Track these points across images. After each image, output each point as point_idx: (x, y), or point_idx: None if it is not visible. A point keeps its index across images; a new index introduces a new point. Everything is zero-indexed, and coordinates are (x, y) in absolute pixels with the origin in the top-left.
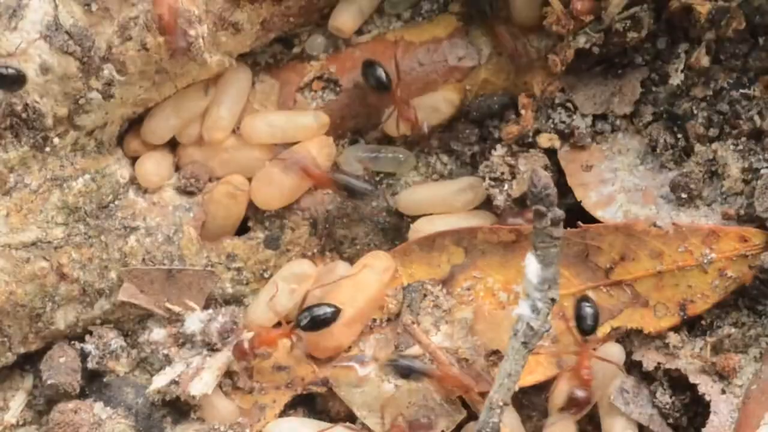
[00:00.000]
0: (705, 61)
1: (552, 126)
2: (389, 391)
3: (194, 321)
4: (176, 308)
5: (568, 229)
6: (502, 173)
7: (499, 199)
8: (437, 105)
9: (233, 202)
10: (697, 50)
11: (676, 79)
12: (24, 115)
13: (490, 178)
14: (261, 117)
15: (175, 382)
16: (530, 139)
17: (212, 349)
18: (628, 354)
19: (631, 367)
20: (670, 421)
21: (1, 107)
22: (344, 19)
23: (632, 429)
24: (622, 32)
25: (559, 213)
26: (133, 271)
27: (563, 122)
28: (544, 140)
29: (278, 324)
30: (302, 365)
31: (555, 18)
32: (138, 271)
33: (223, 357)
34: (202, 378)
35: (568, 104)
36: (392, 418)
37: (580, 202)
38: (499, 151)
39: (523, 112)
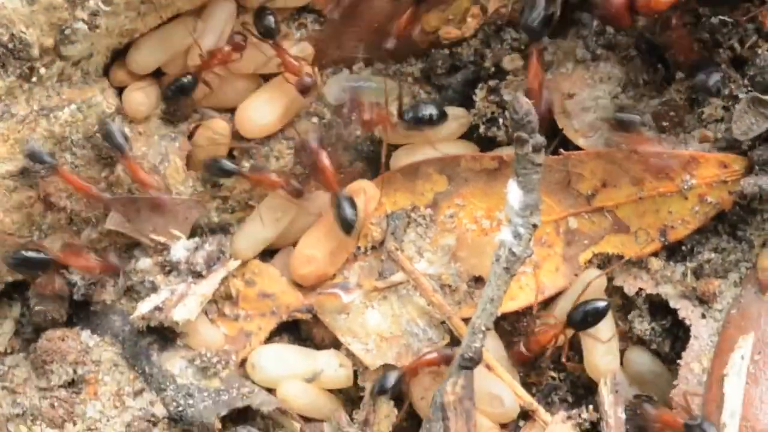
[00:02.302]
0: None
1: (508, 46)
2: (373, 318)
3: (180, 249)
4: (161, 238)
5: (550, 155)
6: (493, 112)
7: (501, 135)
8: None
9: (215, 147)
10: None
11: None
12: (10, 45)
13: (484, 123)
14: (246, 48)
15: (158, 308)
16: (493, 69)
17: (198, 276)
18: (609, 280)
19: (613, 292)
20: (653, 347)
21: None
22: None
23: (614, 354)
24: None
25: (541, 139)
26: (119, 200)
27: (515, 39)
28: (508, 63)
29: None
30: (287, 293)
31: None
32: (124, 200)
33: (209, 284)
34: (185, 304)
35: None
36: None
37: (562, 129)
38: (479, 94)
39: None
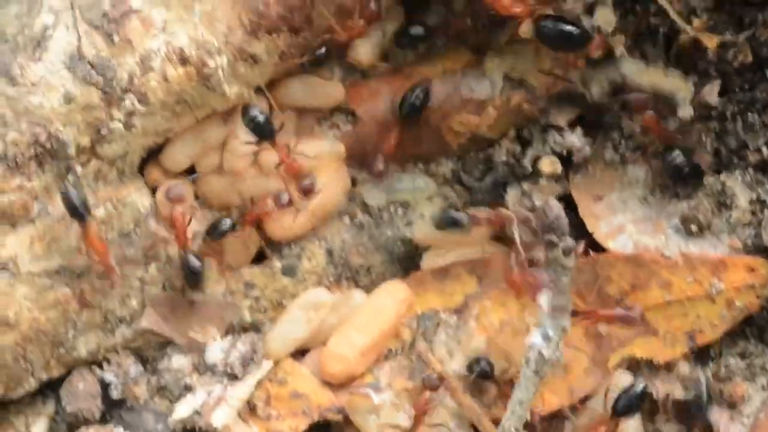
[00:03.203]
0: (714, 99)
1: (549, 149)
2: (404, 419)
3: (215, 350)
4: (199, 336)
5: (579, 258)
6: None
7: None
8: None
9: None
10: (708, 86)
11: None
12: (47, 145)
13: None
14: None
15: (197, 413)
16: (530, 169)
17: (233, 377)
18: None
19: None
20: None
21: (25, 137)
22: (364, 51)
23: None
24: None
25: (571, 243)
26: (157, 299)
27: (557, 143)
28: (546, 165)
29: None
30: (319, 393)
31: None
32: (162, 299)
33: (245, 387)
34: (224, 408)
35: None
36: None
37: (592, 233)
38: (511, 196)
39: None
